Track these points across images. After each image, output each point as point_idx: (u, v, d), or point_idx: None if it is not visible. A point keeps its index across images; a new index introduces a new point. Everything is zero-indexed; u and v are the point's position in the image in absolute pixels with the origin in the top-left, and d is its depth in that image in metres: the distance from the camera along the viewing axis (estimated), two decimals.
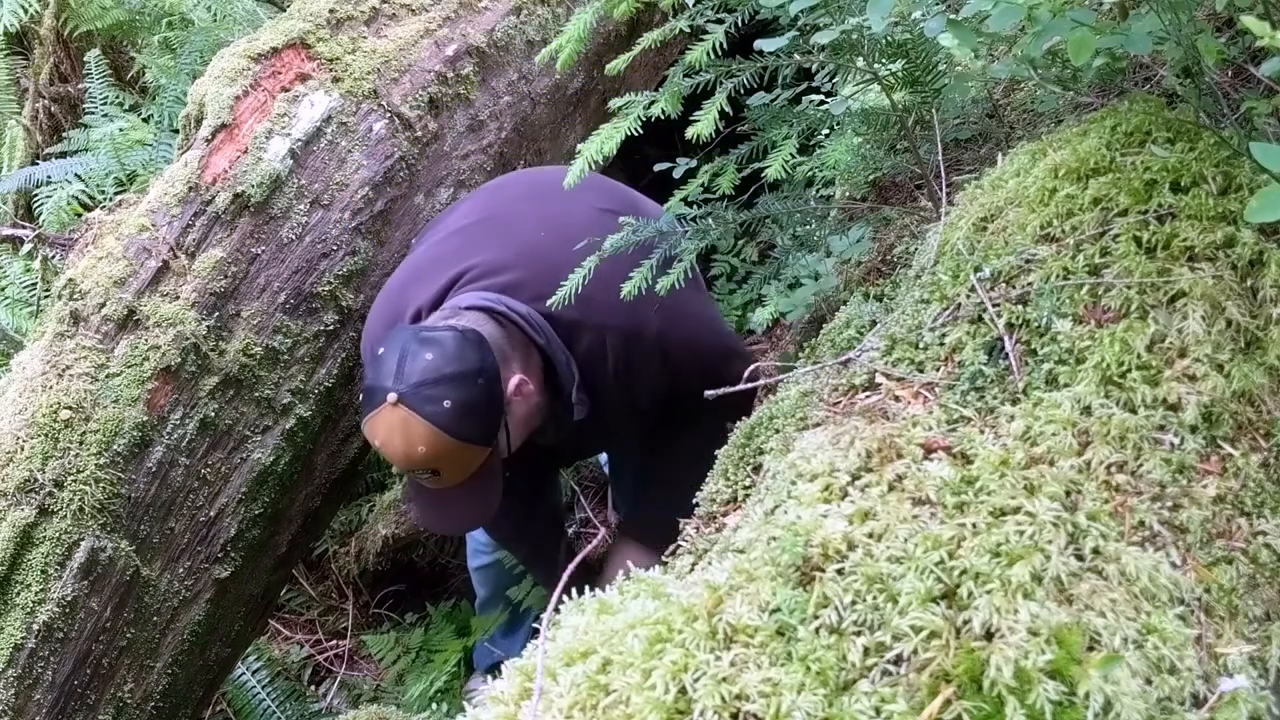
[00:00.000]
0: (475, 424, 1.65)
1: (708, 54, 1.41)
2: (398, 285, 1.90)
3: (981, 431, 1.01)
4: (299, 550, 2.21)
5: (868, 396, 1.13)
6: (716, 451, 1.35)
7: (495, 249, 1.81)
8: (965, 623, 0.85)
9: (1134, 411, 1.00)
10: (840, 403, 1.15)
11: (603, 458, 2.75)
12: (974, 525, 0.91)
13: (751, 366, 1.45)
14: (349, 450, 2.18)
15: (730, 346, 1.96)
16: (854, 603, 0.87)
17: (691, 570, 1.06)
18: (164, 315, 1.81)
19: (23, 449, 1.69)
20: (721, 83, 1.43)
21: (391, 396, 1.60)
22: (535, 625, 0.95)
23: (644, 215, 1.63)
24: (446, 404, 1.61)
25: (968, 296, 1.14)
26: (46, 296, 2.74)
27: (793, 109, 1.70)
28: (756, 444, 1.28)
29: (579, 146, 1.47)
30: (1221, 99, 1.30)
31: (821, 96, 1.84)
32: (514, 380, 1.71)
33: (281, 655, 2.87)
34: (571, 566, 1.06)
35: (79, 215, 2.89)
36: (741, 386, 1.25)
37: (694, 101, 1.44)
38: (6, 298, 2.91)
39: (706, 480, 1.34)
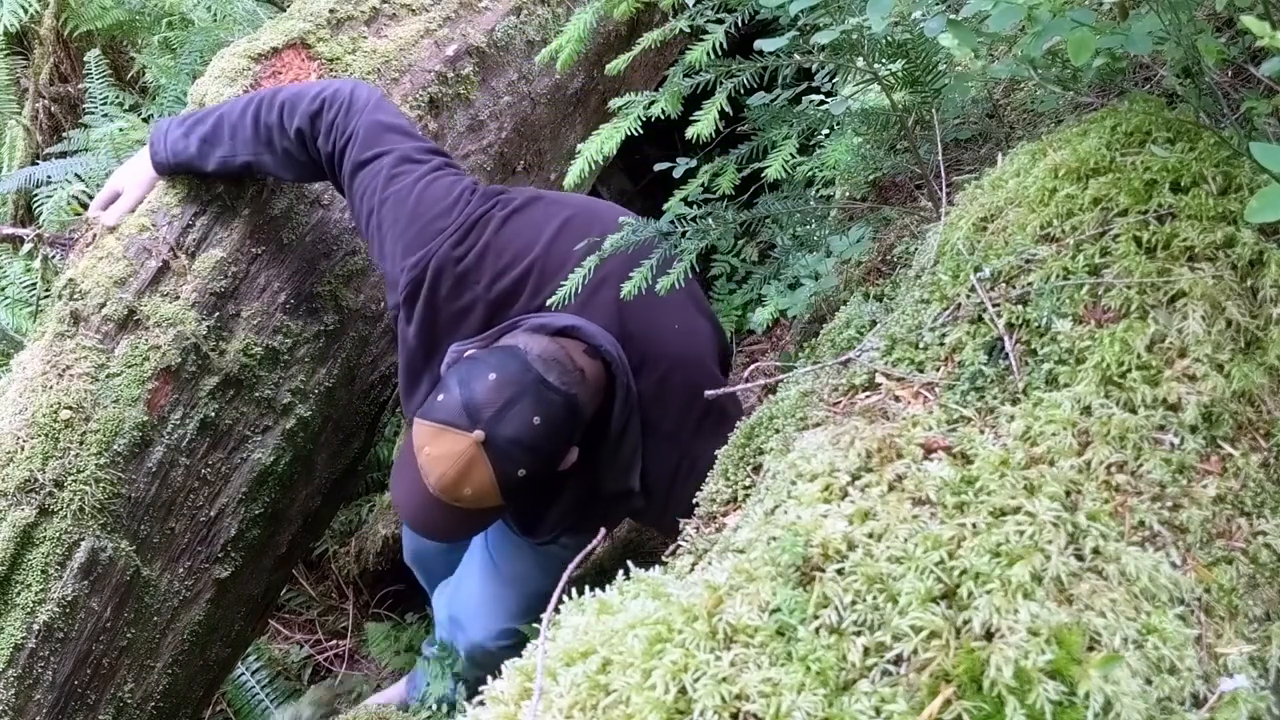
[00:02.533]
0: (526, 491, 1.60)
1: (708, 54, 1.41)
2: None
3: (981, 431, 1.01)
4: (299, 550, 2.21)
5: (868, 396, 1.13)
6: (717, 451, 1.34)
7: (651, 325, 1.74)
8: (965, 623, 0.85)
9: (1134, 411, 1.00)
10: (840, 403, 1.15)
11: None
12: (974, 525, 0.91)
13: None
14: (349, 450, 2.18)
15: None
16: (854, 603, 0.87)
17: (691, 570, 1.06)
18: (164, 315, 1.82)
19: (23, 449, 1.69)
20: (721, 83, 1.43)
21: (479, 435, 1.51)
22: (536, 625, 0.95)
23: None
24: (522, 472, 1.55)
25: (968, 296, 1.14)
26: (46, 296, 2.74)
27: (793, 109, 1.70)
28: (756, 444, 1.28)
29: (579, 146, 1.48)
30: (1221, 99, 1.30)
31: (821, 96, 1.84)
32: (571, 455, 1.65)
33: (281, 655, 2.87)
34: (572, 566, 1.06)
35: (79, 215, 2.89)
36: (741, 386, 1.25)
37: (694, 101, 1.44)
38: (6, 298, 2.91)
39: (706, 480, 1.34)
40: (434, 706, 2.15)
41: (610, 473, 1.71)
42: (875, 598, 0.86)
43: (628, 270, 1.69)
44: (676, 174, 1.64)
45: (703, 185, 1.57)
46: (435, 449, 1.53)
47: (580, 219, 1.75)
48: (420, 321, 1.71)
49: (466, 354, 1.63)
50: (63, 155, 3.17)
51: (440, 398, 1.55)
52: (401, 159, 1.74)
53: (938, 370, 1.11)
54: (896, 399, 1.09)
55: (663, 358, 1.73)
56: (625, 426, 1.69)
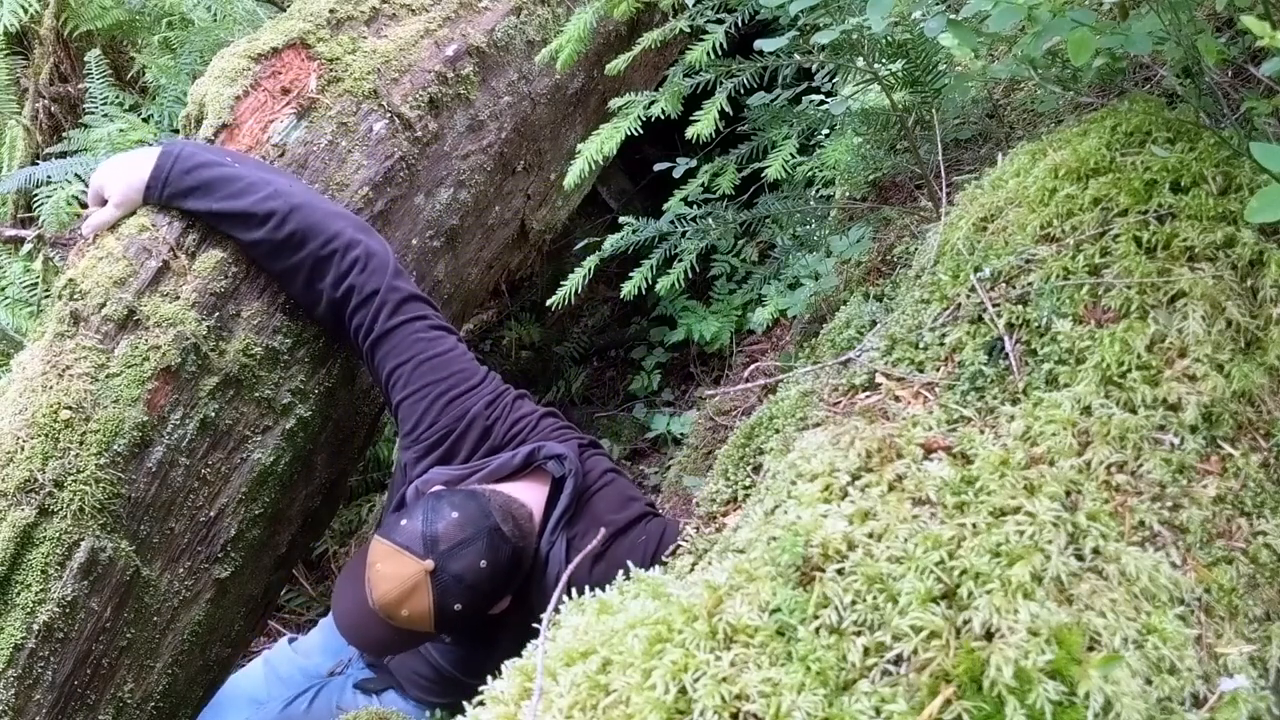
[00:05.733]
0: (456, 626, 1.71)
1: (708, 54, 1.41)
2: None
3: (981, 431, 1.01)
4: (299, 550, 2.21)
5: (868, 396, 1.13)
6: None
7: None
8: (965, 623, 0.85)
9: (1134, 411, 1.00)
10: (840, 403, 1.15)
11: None
12: (974, 525, 0.91)
13: None
14: (349, 450, 2.18)
15: None
16: (854, 603, 0.87)
17: (691, 570, 1.06)
18: (164, 315, 1.81)
19: (23, 449, 1.69)
20: (721, 83, 1.43)
21: (429, 564, 1.63)
22: (536, 625, 0.95)
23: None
24: (458, 607, 1.65)
25: (968, 296, 1.14)
26: (46, 296, 2.74)
27: (793, 109, 1.70)
28: (756, 444, 1.28)
29: (579, 146, 1.48)
30: (1221, 99, 1.30)
31: (821, 96, 1.84)
32: (503, 603, 1.75)
33: None
34: (571, 567, 1.06)
35: (79, 215, 2.89)
36: (741, 386, 1.25)
37: (694, 101, 1.44)
38: (6, 298, 2.91)
39: (707, 480, 1.34)
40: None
41: (541, 596, 1.74)
42: (875, 598, 0.86)
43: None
44: (676, 174, 1.64)
45: (703, 185, 1.57)
46: (386, 567, 1.64)
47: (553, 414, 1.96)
48: (436, 461, 1.84)
49: (434, 489, 1.76)
50: (63, 155, 3.17)
51: (404, 523, 1.68)
52: (435, 327, 1.91)
53: (938, 370, 1.11)
54: (896, 399, 1.09)
55: (602, 476, 1.86)
56: (553, 543, 1.76)
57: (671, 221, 1.53)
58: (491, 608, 1.72)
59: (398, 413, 1.88)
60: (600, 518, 1.80)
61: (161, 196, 1.86)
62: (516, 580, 1.73)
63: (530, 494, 1.79)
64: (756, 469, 1.25)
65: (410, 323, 1.87)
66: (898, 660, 0.84)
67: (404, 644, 1.78)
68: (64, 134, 3.34)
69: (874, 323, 1.36)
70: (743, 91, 1.45)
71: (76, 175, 2.99)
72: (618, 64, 1.50)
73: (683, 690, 0.84)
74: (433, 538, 1.64)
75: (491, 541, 1.67)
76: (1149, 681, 0.85)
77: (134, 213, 1.88)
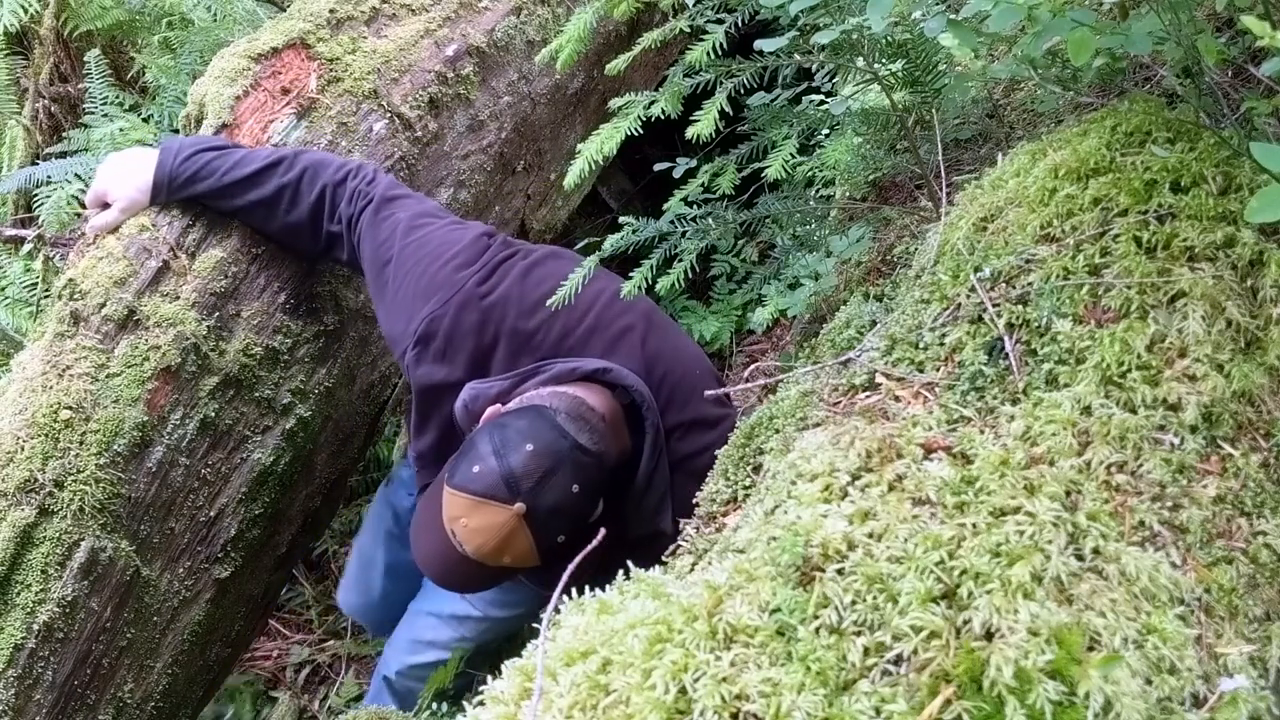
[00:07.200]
0: (559, 558, 1.57)
1: (708, 54, 1.41)
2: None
3: (981, 431, 1.01)
4: (299, 550, 2.21)
5: (868, 396, 1.13)
6: None
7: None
8: (965, 623, 0.85)
9: (1134, 411, 1.00)
10: (840, 403, 1.15)
11: None
12: (974, 525, 0.91)
13: None
14: (349, 450, 2.18)
15: None
16: (854, 603, 0.87)
17: (691, 570, 1.06)
18: (164, 315, 1.81)
19: (23, 449, 1.69)
20: (721, 83, 1.43)
21: (520, 508, 1.50)
22: (535, 625, 0.95)
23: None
24: (561, 538, 1.55)
25: (968, 296, 1.14)
26: (46, 297, 2.74)
27: (793, 109, 1.70)
28: (756, 444, 1.28)
29: (579, 146, 1.48)
30: (1221, 99, 1.30)
31: (821, 96, 1.84)
32: (598, 509, 1.64)
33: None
34: (572, 566, 1.06)
35: (79, 215, 2.89)
36: (741, 386, 1.25)
37: (694, 101, 1.44)
38: (6, 298, 2.91)
39: (707, 480, 1.34)
40: (434, 706, 2.15)
41: (637, 517, 1.68)
42: (875, 598, 0.86)
43: (650, 320, 1.76)
44: (676, 174, 1.64)
45: (703, 185, 1.57)
46: (474, 521, 1.52)
47: (603, 278, 1.76)
48: (436, 358, 1.71)
49: (489, 413, 1.63)
50: (63, 155, 3.16)
51: (476, 469, 1.53)
52: (419, 214, 1.81)
53: (938, 370, 1.11)
54: (896, 399, 1.09)
55: (692, 391, 1.74)
56: (653, 471, 1.68)
57: (671, 221, 1.53)
58: (590, 520, 1.62)
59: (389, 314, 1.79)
60: (694, 409, 1.71)
61: (169, 194, 1.87)
62: (606, 484, 1.62)
63: (593, 397, 1.65)
64: (756, 469, 1.25)
65: (394, 214, 1.81)
66: (898, 660, 0.84)
67: (504, 578, 1.67)
68: (64, 134, 3.34)
69: (874, 323, 1.36)
70: (743, 91, 1.45)
71: (76, 175, 2.99)
72: (618, 64, 1.50)
73: (683, 690, 0.84)
74: (513, 477, 1.50)
75: (576, 462, 1.54)
76: (1149, 681, 0.85)
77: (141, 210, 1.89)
